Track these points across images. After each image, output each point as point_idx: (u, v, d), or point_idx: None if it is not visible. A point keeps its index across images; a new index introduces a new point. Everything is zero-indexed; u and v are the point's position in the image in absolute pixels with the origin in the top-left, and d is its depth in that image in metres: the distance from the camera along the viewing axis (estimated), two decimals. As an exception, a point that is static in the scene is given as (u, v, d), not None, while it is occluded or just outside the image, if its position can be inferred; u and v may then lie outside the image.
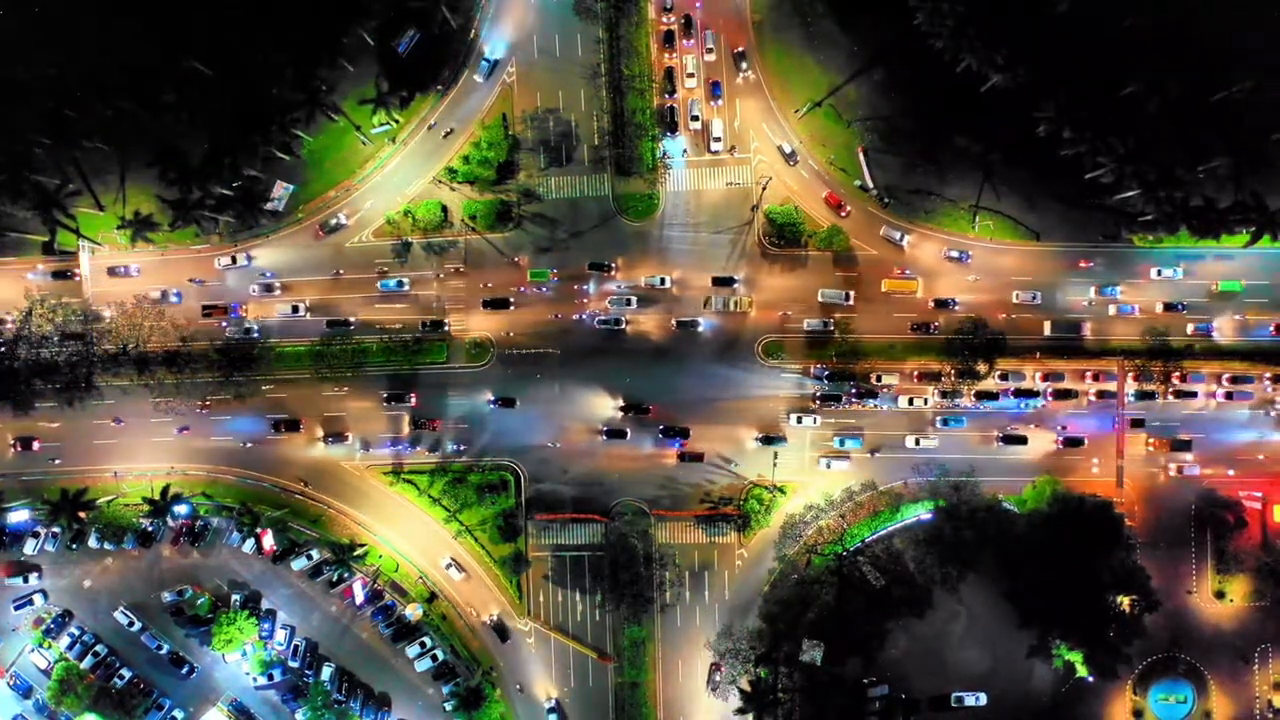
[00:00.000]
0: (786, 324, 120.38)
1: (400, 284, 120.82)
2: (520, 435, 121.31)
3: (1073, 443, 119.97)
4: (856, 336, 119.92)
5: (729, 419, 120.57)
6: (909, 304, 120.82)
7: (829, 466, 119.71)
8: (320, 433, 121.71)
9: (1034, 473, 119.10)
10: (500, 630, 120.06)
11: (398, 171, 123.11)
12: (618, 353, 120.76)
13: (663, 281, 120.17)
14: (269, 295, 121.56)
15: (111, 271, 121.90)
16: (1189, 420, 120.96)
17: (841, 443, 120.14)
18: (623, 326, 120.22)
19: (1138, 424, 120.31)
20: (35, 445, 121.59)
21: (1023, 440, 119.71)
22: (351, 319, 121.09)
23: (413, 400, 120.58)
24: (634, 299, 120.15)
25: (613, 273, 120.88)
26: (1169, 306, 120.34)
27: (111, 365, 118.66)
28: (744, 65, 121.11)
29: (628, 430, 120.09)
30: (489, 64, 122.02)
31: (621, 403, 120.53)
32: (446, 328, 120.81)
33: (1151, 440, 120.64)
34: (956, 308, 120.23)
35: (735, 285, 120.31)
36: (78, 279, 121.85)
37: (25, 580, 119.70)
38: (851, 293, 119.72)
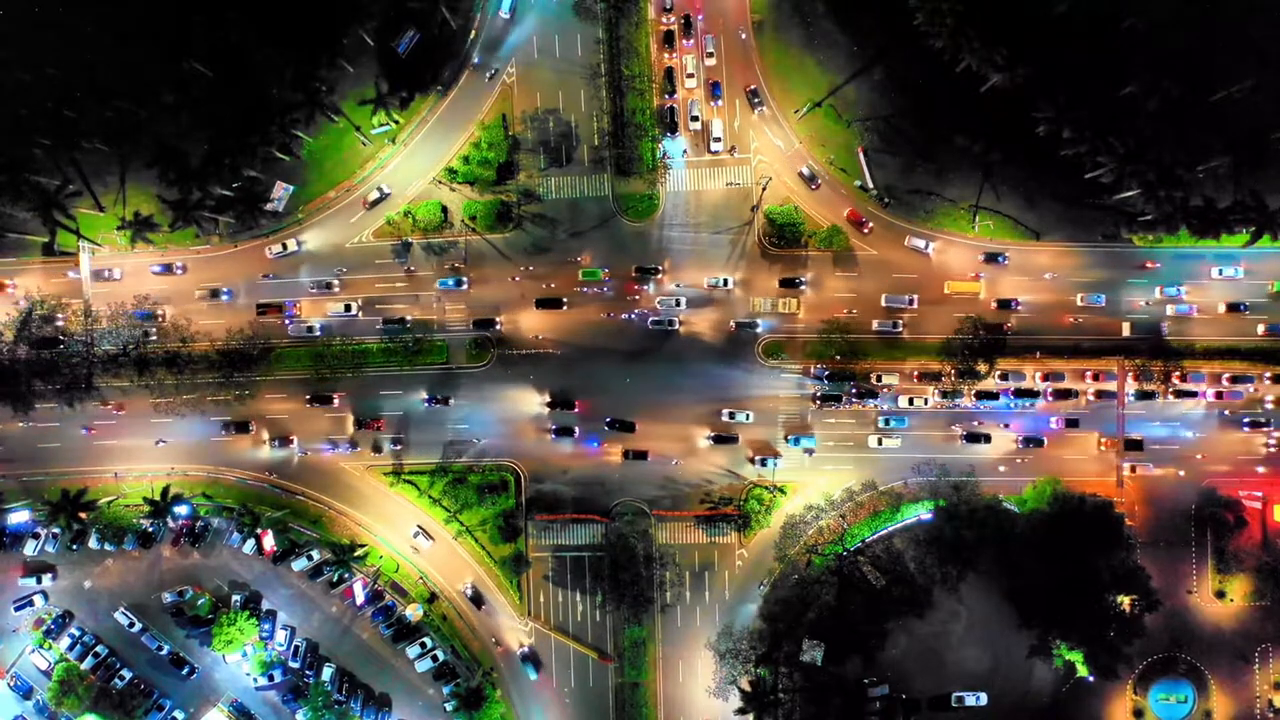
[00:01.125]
0: (851, 325, 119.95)
1: (460, 282, 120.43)
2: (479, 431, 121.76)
3: (976, 438, 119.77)
4: (856, 336, 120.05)
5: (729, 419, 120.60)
6: (971, 305, 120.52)
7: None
8: (266, 435, 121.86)
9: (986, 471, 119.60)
10: (476, 599, 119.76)
11: (424, 146, 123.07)
12: (621, 354, 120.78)
13: (725, 283, 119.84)
14: (326, 293, 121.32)
15: (97, 275, 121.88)
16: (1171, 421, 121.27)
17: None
18: (675, 327, 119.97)
19: (1072, 424, 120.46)
20: None
21: (986, 438, 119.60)
22: (408, 318, 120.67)
23: (335, 402, 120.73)
24: (683, 300, 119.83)
25: (660, 276, 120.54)
26: (1232, 307, 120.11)
27: (111, 366, 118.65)
28: (757, 100, 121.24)
29: (576, 428, 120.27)
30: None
31: (548, 398, 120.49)
32: (498, 327, 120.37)
33: (1104, 440, 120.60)
34: (1019, 308, 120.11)
35: (800, 286, 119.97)
36: (78, 279, 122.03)
37: (39, 581, 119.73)
38: (915, 296, 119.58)
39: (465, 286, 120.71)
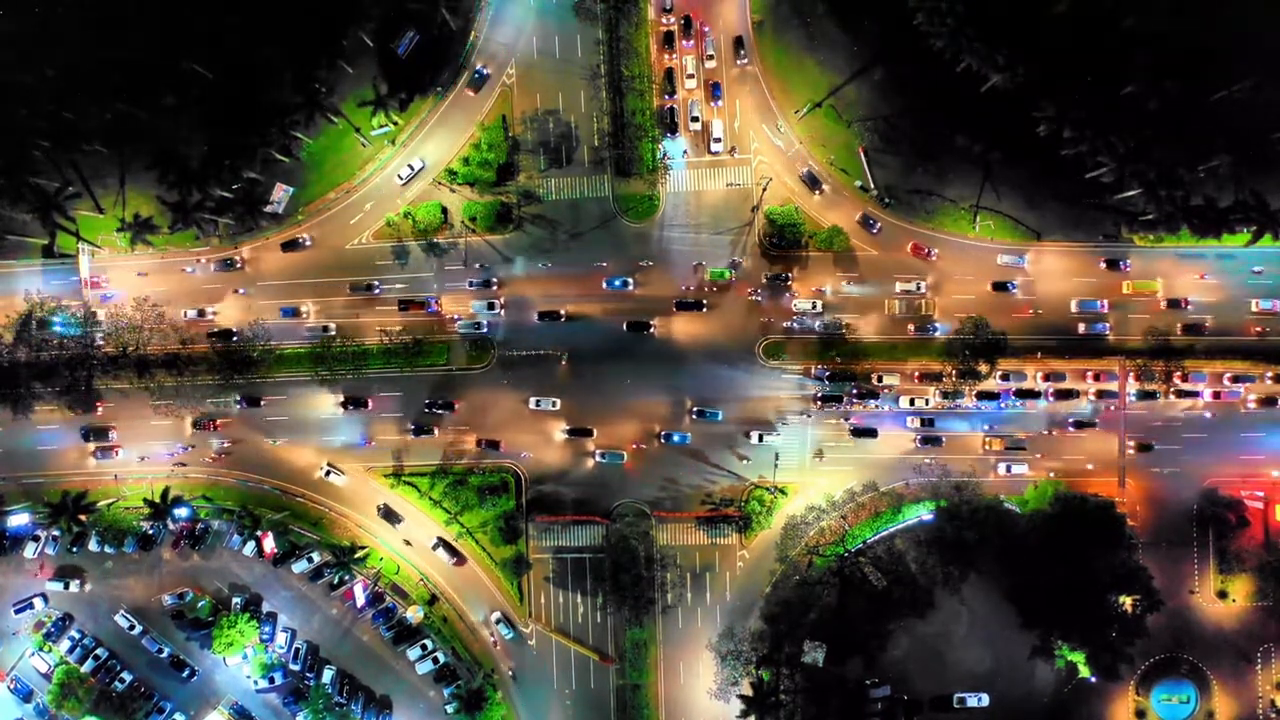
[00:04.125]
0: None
1: (625, 283, 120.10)
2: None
3: (863, 433, 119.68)
4: (856, 338, 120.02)
5: (729, 419, 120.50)
6: (1149, 303, 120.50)
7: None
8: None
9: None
10: (450, 550, 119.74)
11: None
12: (620, 354, 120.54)
13: (918, 288, 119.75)
14: (485, 290, 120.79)
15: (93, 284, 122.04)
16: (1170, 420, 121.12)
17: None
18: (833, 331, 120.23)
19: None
20: None
21: (873, 433, 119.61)
22: (562, 312, 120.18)
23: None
24: (818, 303, 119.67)
25: (789, 282, 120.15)
26: None
27: (111, 368, 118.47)
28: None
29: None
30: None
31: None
32: (652, 330, 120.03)
33: (988, 440, 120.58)
34: (1189, 309, 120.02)
35: (1013, 290, 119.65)
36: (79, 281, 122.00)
37: (66, 587, 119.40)
38: (1106, 300, 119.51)
39: (631, 287, 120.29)
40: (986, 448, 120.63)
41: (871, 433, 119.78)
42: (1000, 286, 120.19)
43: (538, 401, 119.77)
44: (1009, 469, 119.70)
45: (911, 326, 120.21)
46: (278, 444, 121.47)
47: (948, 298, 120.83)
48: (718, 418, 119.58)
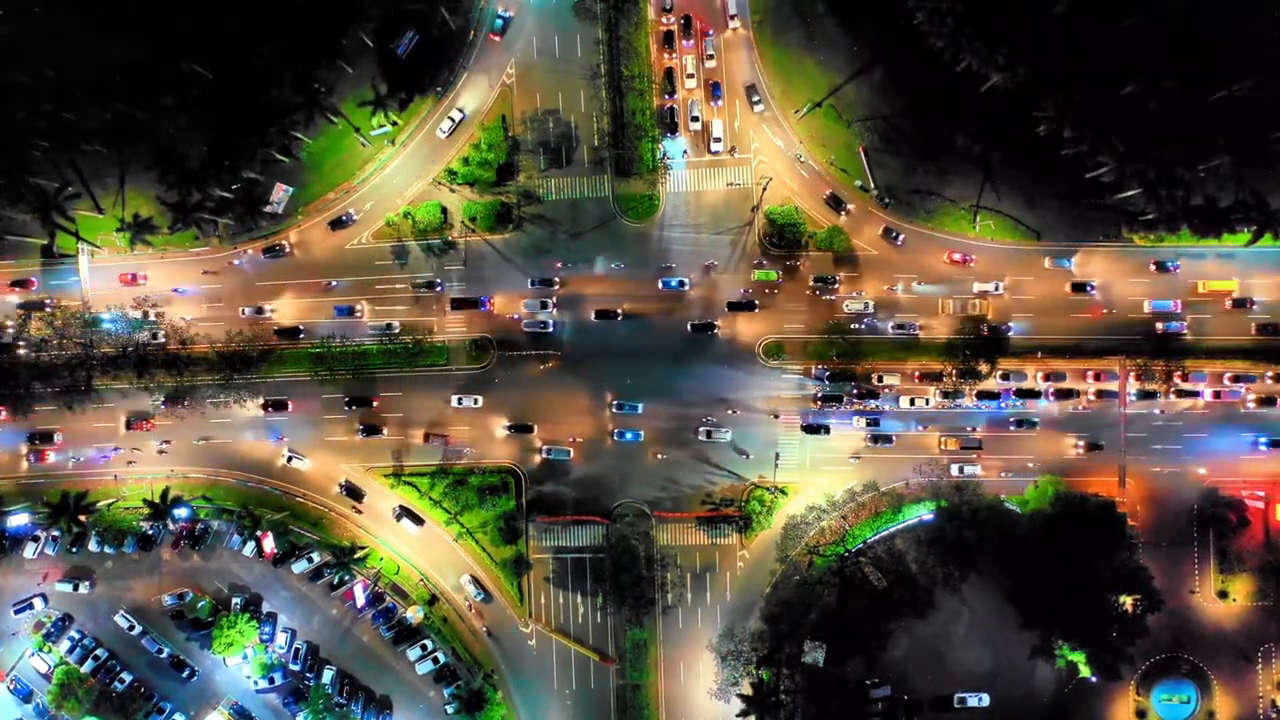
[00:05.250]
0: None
1: (681, 283, 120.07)
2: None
3: (815, 430, 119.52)
4: (860, 339, 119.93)
5: (729, 419, 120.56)
6: (1218, 300, 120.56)
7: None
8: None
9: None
10: (412, 517, 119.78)
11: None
12: (621, 355, 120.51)
13: (997, 288, 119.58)
14: (545, 289, 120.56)
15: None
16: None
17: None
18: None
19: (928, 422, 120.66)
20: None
21: (825, 429, 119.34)
22: (619, 311, 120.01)
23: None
24: (871, 302, 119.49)
25: (836, 286, 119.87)
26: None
27: (111, 368, 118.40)
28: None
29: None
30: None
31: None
32: (717, 331, 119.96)
33: (943, 439, 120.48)
34: (1255, 308, 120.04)
35: (1091, 291, 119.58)
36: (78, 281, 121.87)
37: (76, 589, 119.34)
38: (1179, 300, 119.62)
39: (688, 287, 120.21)
40: (942, 447, 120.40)
41: (824, 429, 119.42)
42: (1079, 288, 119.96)
43: (459, 400, 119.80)
44: (961, 470, 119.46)
45: (985, 327, 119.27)
46: (199, 443, 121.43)
47: (1019, 299, 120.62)
48: (637, 410, 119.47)
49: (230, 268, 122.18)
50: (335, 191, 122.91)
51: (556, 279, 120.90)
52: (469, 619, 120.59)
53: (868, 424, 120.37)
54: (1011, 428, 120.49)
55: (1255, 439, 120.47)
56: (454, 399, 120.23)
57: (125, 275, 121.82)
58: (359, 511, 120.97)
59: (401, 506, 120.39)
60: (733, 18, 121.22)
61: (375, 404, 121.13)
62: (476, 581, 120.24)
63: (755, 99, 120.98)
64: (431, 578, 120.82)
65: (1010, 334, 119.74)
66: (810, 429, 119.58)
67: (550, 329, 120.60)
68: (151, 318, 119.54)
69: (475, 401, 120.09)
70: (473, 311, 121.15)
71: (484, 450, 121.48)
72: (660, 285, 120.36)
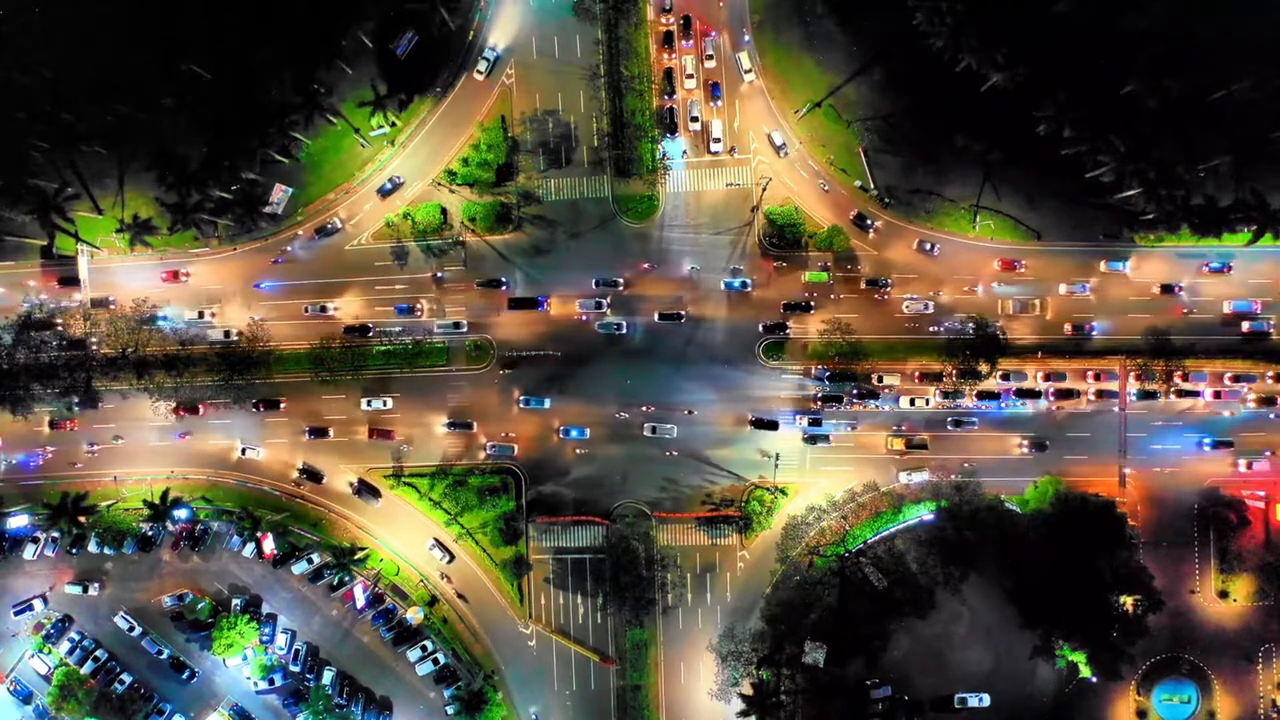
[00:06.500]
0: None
1: (745, 284, 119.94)
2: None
3: (764, 425, 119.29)
4: (856, 336, 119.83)
5: (731, 419, 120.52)
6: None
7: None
8: None
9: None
10: (370, 491, 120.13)
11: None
12: (619, 355, 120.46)
13: (1083, 289, 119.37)
14: (609, 289, 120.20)
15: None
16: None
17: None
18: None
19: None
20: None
21: (774, 425, 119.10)
22: (683, 314, 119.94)
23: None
24: (930, 304, 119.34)
25: (888, 289, 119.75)
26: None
27: (110, 369, 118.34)
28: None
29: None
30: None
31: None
32: (788, 332, 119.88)
33: (891, 439, 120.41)
34: None
35: (1179, 292, 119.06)
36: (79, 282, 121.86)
37: (85, 590, 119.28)
38: (1260, 301, 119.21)
39: (750, 288, 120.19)
40: (889, 447, 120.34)
41: (772, 425, 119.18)
42: (1167, 289, 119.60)
43: (369, 402, 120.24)
44: (910, 476, 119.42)
45: (1069, 326, 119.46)
46: (119, 442, 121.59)
47: (1103, 299, 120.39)
48: (544, 404, 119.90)
49: (286, 253, 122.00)
50: (335, 192, 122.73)
51: (620, 280, 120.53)
52: (469, 619, 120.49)
53: (810, 422, 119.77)
54: (950, 428, 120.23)
55: (1200, 439, 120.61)
56: (363, 402, 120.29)
57: (169, 273, 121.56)
58: (304, 487, 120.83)
59: (360, 480, 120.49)
60: (747, 72, 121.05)
61: (282, 405, 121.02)
62: (440, 545, 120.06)
63: (780, 145, 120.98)
64: (412, 561, 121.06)
65: (1094, 335, 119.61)
66: (759, 424, 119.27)
67: (624, 330, 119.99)
68: (207, 317, 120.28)
69: (385, 403, 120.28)
70: (531, 312, 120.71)
71: (421, 447, 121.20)
72: (723, 286, 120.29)
